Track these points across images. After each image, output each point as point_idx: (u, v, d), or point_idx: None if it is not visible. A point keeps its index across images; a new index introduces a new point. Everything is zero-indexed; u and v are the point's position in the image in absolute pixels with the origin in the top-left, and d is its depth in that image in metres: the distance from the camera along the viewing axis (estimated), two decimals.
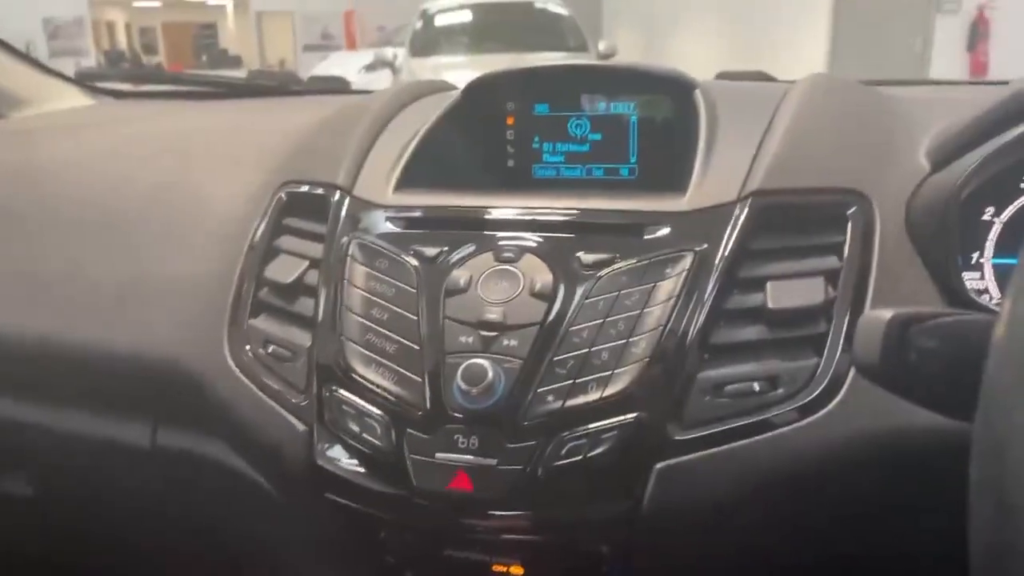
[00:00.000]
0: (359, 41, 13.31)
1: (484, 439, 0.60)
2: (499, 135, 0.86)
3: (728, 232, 0.65)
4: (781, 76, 1.12)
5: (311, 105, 1.20)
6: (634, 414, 0.59)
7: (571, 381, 0.60)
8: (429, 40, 6.62)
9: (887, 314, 0.40)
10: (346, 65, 8.34)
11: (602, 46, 6.84)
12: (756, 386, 0.61)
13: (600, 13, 12.58)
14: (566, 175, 0.86)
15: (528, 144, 0.87)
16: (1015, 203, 0.65)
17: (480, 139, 0.86)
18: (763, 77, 1.18)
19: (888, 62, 6.88)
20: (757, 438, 0.59)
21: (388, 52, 6.99)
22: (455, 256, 0.68)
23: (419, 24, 6.82)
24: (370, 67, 7.06)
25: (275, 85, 1.38)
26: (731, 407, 0.60)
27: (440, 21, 6.87)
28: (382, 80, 6.54)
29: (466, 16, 6.93)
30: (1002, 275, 0.66)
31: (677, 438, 0.60)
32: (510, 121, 0.87)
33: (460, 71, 5.54)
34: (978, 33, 6.91)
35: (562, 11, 7.00)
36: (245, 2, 14.41)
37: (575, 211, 0.71)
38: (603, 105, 0.84)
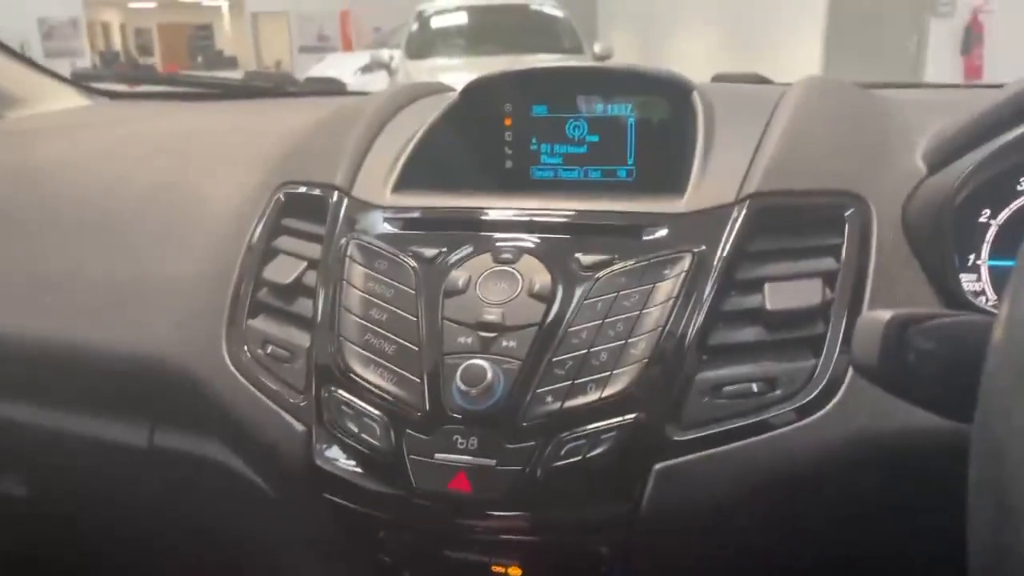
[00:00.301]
0: (355, 42, 13.31)
1: (483, 440, 0.60)
2: (497, 136, 0.86)
3: (726, 234, 0.65)
4: (776, 78, 1.13)
5: (307, 106, 1.20)
6: (633, 415, 0.60)
7: (570, 382, 0.60)
8: (425, 42, 6.62)
9: (886, 315, 0.40)
10: (342, 67, 8.32)
11: (598, 48, 6.84)
12: (754, 387, 0.61)
13: (596, 15, 12.59)
14: (564, 176, 0.87)
15: (526, 146, 0.87)
16: (1011, 205, 0.65)
17: (478, 140, 0.86)
18: (759, 79, 1.19)
19: (882, 64, 6.89)
20: (755, 439, 0.60)
21: (384, 54, 6.97)
22: (454, 257, 0.68)
23: (415, 26, 6.81)
24: (366, 69, 7.04)
25: (271, 86, 1.37)
26: (729, 408, 0.60)
27: (436, 23, 6.86)
28: (378, 82, 6.52)
29: (462, 18, 6.93)
30: (998, 277, 0.67)
31: (675, 439, 0.60)
32: (508, 122, 0.87)
33: (456, 73, 5.52)
34: (972, 36, 6.93)
35: (558, 13, 7.00)
36: (241, 3, 14.40)
37: (574, 212, 0.71)
38: (601, 107, 0.85)
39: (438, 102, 0.87)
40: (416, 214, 0.74)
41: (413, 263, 0.69)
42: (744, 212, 0.66)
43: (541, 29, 6.81)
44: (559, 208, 0.72)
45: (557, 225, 0.70)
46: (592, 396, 0.60)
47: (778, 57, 7.44)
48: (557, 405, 0.60)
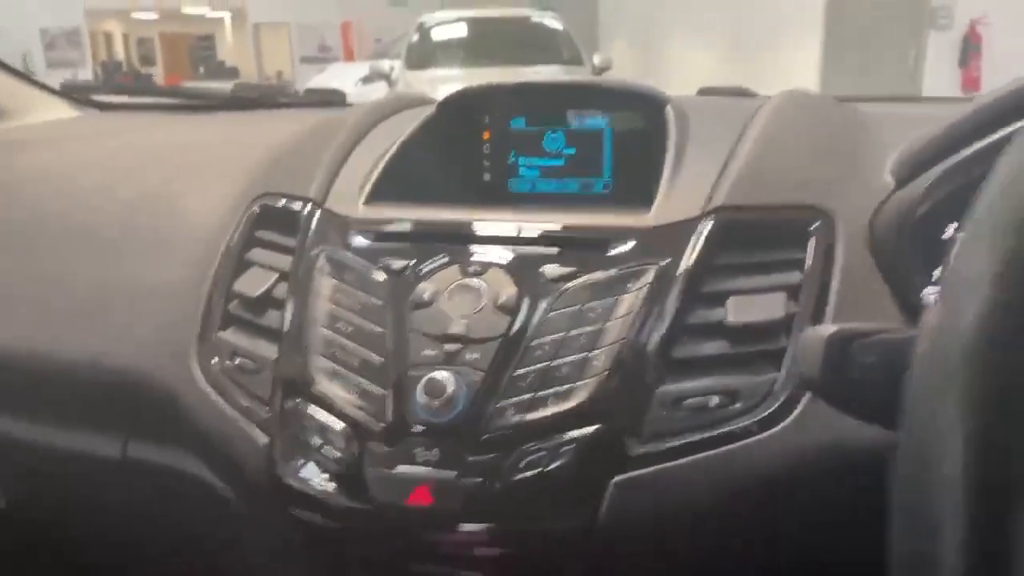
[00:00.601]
0: (357, 53, 13.35)
1: (445, 452, 0.61)
2: (475, 149, 0.87)
3: (691, 247, 0.66)
4: (775, 88, 1.13)
5: (297, 118, 1.21)
6: (593, 427, 0.60)
7: (532, 394, 0.61)
8: (425, 53, 6.63)
9: (830, 330, 0.40)
10: (343, 77, 8.35)
11: (597, 59, 6.85)
12: (715, 400, 0.61)
13: (596, 25, 12.63)
14: (541, 189, 0.87)
15: (504, 158, 0.87)
16: None
17: (456, 153, 0.87)
18: (744, 93, 1.19)
19: (881, 76, 6.91)
20: (716, 451, 0.60)
21: (384, 64, 6.99)
22: (422, 270, 0.69)
23: (415, 37, 6.83)
24: (367, 79, 7.07)
25: (261, 98, 1.38)
26: (690, 421, 0.61)
27: (436, 34, 6.88)
28: (379, 92, 6.54)
29: (462, 30, 6.94)
30: None
31: (636, 452, 0.60)
32: (486, 135, 0.87)
33: (456, 84, 5.52)
34: (970, 48, 6.95)
35: (558, 25, 7.02)
36: (243, 14, 14.45)
37: (542, 226, 0.71)
38: (578, 121, 0.85)
39: (419, 114, 0.88)
40: (387, 227, 0.74)
41: (382, 275, 0.69)
42: (710, 226, 0.66)
43: (541, 41, 6.83)
44: (528, 221, 0.72)
45: (525, 238, 0.70)
46: (553, 409, 0.60)
47: (778, 66, 7.45)
48: (519, 418, 0.60)
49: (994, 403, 0.26)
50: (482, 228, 0.72)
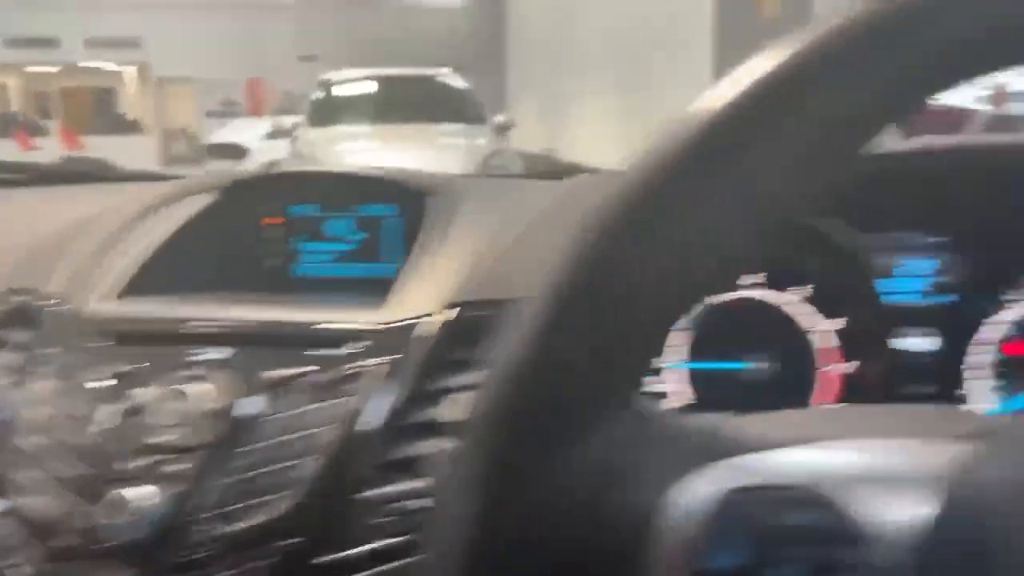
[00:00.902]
0: (264, 107, 13.21)
1: (142, 570, 0.58)
2: (257, 236, 0.85)
3: (421, 345, 0.65)
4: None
5: (109, 196, 1.16)
6: (295, 538, 0.59)
7: (234, 506, 0.59)
8: (328, 110, 6.58)
9: None
10: (244, 132, 8.26)
11: (500, 118, 6.95)
12: (424, 502, 0.59)
13: (504, 89, 12.88)
14: (327, 275, 0.86)
15: (287, 245, 0.86)
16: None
17: (236, 240, 0.85)
18: (576, 170, 1.21)
19: None
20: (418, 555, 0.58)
21: (286, 121, 6.93)
22: (142, 374, 0.66)
23: (318, 94, 6.80)
24: (271, 135, 7.00)
25: (87, 171, 1.33)
26: (396, 525, 0.60)
27: (340, 91, 6.86)
28: (282, 148, 6.48)
29: (366, 87, 6.95)
30: (676, 379, 0.69)
31: (330, 562, 0.59)
32: (270, 222, 0.86)
33: (357, 141, 5.51)
34: None
35: (461, 85, 7.10)
36: (146, 68, 14.18)
37: (277, 323, 0.69)
38: (361, 209, 0.85)
39: (203, 200, 0.85)
40: (125, 326, 0.71)
41: (101, 381, 0.66)
42: (442, 322, 0.66)
43: (444, 100, 6.88)
44: (264, 319, 0.70)
45: (256, 337, 0.68)
46: (254, 520, 0.59)
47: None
48: (218, 531, 0.59)
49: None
50: (218, 327, 0.70)
